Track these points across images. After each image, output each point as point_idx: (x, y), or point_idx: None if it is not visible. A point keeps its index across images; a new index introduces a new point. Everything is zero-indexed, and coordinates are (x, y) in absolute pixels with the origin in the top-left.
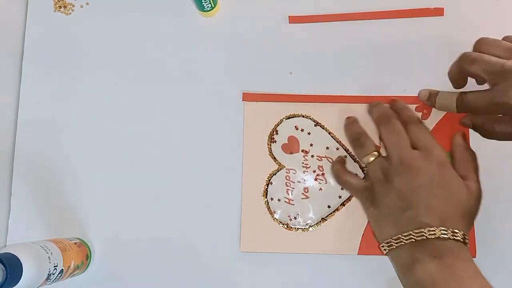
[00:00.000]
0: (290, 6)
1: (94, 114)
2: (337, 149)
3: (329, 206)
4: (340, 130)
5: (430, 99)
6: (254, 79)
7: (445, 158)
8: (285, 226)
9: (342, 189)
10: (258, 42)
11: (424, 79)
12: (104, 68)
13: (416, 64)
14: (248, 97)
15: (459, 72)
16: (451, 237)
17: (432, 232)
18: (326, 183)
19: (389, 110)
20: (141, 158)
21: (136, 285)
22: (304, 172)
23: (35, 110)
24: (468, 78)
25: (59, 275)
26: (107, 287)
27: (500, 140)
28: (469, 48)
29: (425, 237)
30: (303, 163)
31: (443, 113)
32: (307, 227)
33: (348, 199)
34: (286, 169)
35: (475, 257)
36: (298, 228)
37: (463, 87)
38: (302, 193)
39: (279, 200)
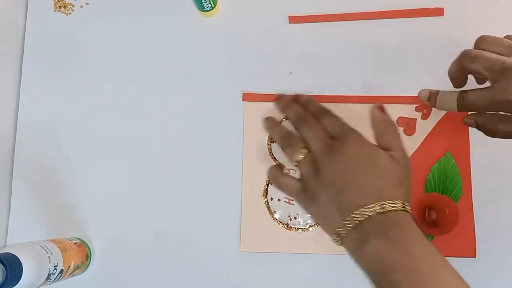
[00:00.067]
0: (290, 6)
1: (94, 114)
2: None
3: None
4: None
5: (430, 99)
6: (254, 79)
7: (361, 138)
8: (285, 226)
9: None
10: (258, 42)
11: (424, 79)
12: (104, 68)
13: (416, 64)
14: (248, 97)
15: (460, 70)
16: (391, 209)
17: (371, 209)
18: None
19: (301, 109)
20: (141, 158)
21: (136, 285)
22: None
23: (35, 110)
24: (468, 77)
25: (59, 275)
26: (107, 287)
27: (503, 138)
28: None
29: (367, 215)
30: None
31: (443, 113)
32: (307, 227)
33: None
34: (286, 169)
35: (475, 257)
36: (298, 228)
37: (463, 86)
38: None
39: (279, 200)
